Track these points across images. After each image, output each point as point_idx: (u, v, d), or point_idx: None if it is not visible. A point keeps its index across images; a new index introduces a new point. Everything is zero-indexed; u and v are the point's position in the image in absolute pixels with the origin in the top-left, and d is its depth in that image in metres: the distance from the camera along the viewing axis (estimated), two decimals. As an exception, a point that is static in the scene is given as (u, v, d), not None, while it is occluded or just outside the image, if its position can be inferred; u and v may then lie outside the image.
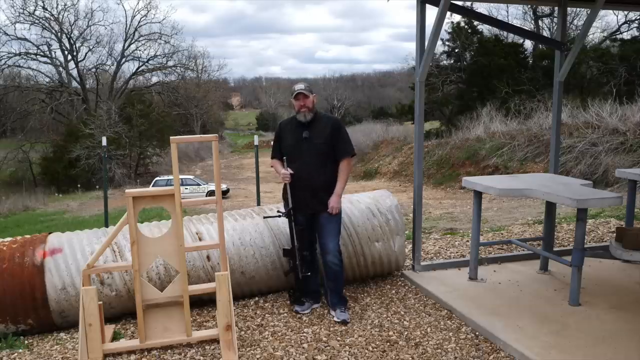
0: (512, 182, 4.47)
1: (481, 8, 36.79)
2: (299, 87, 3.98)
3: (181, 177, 16.30)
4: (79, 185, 31.13)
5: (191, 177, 29.34)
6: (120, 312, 4.02)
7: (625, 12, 29.42)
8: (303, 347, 3.51)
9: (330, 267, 3.96)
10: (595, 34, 33.92)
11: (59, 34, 42.89)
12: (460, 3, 5.00)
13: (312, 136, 3.94)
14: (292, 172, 3.93)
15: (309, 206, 3.95)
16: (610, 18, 59.83)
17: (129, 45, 45.10)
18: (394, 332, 3.72)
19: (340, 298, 4.03)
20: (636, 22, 33.04)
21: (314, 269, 4.13)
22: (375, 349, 3.48)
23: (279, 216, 4.15)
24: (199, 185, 27.19)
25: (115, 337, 3.74)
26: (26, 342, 3.77)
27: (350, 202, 4.59)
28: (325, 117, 4.08)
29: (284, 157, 4.02)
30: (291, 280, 4.15)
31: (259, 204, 9.23)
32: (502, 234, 6.69)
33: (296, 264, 3.99)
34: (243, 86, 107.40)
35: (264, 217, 4.35)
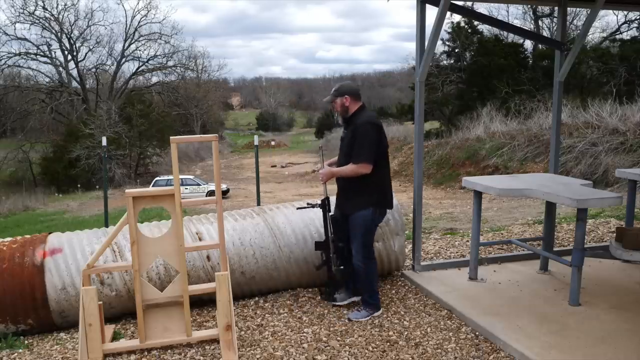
0: (512, 182, 4.47)
1: (481, 8, 36.81)
2: (332, 91, 4.07)
3: (181, 177, 16.30)
4: (79, 185, 31.14)
5: (191, 177, 29.34)
6: (120, 312, 4.02)
7: (625, 12, 29.42)
8: (303, 347, 3.51)
9: (355, 268, 4.00)
10: (595, 34, 33.96)
11: (59, 34, 42.91)
12: (460, 3, 4.99)
13: (344, 137, 4.04)
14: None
15: (340, 205, 4.03)
16: (610, 18, 59.89)
17: (129, 45, 45.16)
18: (394, 332, 3.72)
19: (333, 290, 4.06)
20: (636, 22, 33.06)
21: (349, 262, 4.12)
22: (375, 349, 3.48)
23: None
24: (199, 185, 27.19)
25: (115, 337, 3.74)
26: (26, 342, 3.77)
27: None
28: (359, 119, 3.94)
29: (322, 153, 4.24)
30: (323, 275, 4.16)
31: (259, 204, 9.22)
32: (502, 234, 6.69)
33: (329, 256, 3.97)
34: (243, 86, 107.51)
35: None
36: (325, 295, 4.18)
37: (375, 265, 4.09)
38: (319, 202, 4.11)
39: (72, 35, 43.21)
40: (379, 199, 3.95)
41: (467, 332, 3.72)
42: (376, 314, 3.99)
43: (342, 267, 4.00)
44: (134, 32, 44.95)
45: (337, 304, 4.10)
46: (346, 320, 3.90)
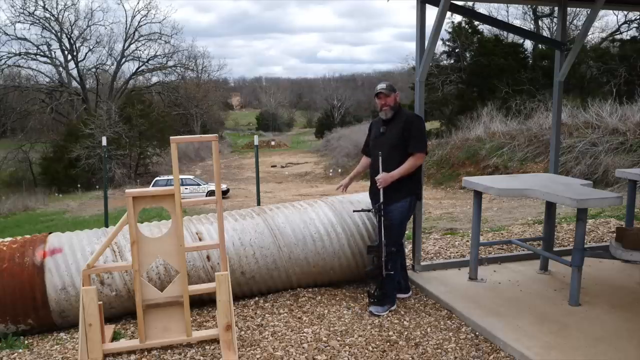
0: (512, 182, 4.47)
1: (481, 8, 36.77)
2: (380, 86, 4.14)
3: (181, 177, 16.30)
4: (79, 185, 31.17)
5: (191, 177, 29.35)
6: (120, 312, 4.02)
7: (625, 12, 29.41)
8: (303, 347, 3.51)
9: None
10: (595, 34, 33.96)
11: (59, 34, 42.96)
12: (460, 3, 4.99)
13: (387, 131, 4.12)
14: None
15: (378, 196, 4.06)
16: (610, 18, 59.72)
17: (129, 45, 45.22)
18: (394, 332, 3.72)
19: (383, 294, 4.02)
20: (636, 22, 33.06)
21: (398, 266, 4.16)
22: (375, 349, 3.48)
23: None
24: (199, 185, 27.19)
25: (115, 337, 3.74)
26: (26, 342, 3.77)
27: (350, 203, 4.59)
28: (405, 114, 4.17)
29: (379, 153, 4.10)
30: (372, 280, 4.16)
31: (259, 203, 9.22)
32: (502, 234, 6.69)
33: (381, 261, 3.95)
34: (243, 86, 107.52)
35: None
36: (373, 299, 4.07)
37: (402, 260, 4.28)
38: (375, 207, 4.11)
39: (72, 35, 43.31)
40: (416, 189, 4.15)
41: (467, 332, 3.72)
42: (392, 308, 4.08)
43: (392, 272, 3.98)
44: (134, 32, 45.05)
45: (375, 314, 4.00)
46: (346, 320, 3.90)
